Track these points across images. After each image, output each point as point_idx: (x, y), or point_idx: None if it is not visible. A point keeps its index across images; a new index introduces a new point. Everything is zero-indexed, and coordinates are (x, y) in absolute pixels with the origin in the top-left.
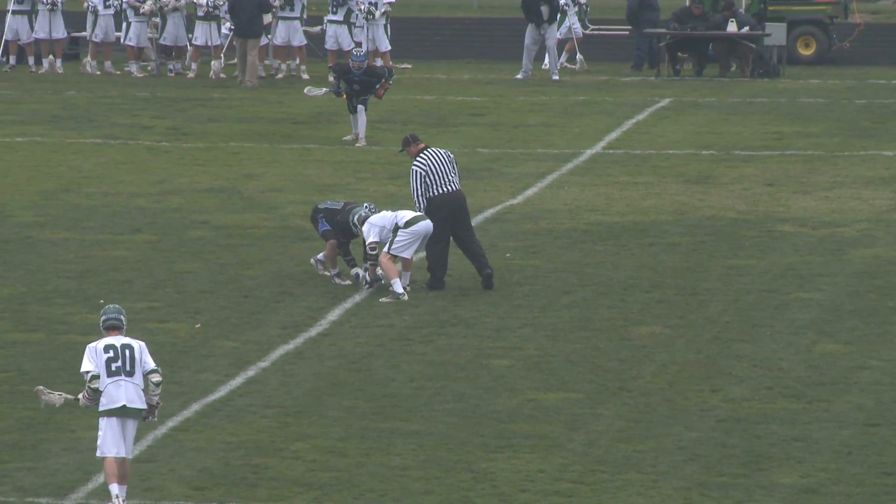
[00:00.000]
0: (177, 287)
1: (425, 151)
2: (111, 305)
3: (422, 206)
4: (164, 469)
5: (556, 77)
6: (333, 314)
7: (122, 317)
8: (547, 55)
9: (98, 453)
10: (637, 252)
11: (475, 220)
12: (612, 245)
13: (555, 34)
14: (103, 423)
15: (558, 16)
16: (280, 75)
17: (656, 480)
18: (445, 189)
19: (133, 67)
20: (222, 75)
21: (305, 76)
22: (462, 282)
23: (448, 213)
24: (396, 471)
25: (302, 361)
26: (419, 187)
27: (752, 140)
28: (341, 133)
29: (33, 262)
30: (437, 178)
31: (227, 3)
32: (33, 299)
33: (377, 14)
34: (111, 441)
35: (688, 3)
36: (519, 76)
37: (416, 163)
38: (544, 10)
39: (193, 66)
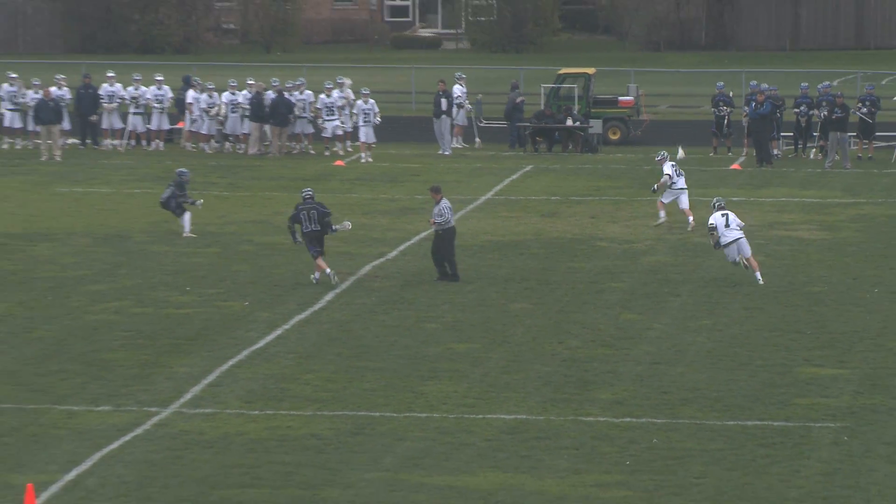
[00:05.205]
0: (233, 280)
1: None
2: None
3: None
4: (227, 391)
5: (446, 153)
6: (329, 296)
7: None
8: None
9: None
10: (512, 258)
11: (412, 241)
12: (497, 255)
13: (448, 124)
14: None
15: (454, 109)
16: (294, 151)
17: (524, 397)
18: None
19: (206, 147)
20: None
21: (312, 151)
22: (407, 277)
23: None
24: (367, 392)
25: (310, 325)
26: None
27: (581, 190)
28: (334, 188)
29: (146, 265)
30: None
31: (252, 105)
32: (146, 287)
33: (373, 118)
34: None
35: (542, 107)
36: (440, 152)
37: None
38: (444, 101)
39: (239, 146)
